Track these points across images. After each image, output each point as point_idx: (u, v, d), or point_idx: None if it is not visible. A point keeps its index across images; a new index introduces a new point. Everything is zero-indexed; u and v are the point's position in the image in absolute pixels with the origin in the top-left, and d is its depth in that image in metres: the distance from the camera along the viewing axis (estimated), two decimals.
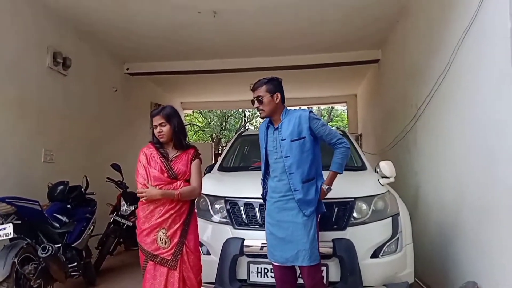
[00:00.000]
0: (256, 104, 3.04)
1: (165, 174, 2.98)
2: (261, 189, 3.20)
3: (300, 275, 2.99)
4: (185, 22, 5.64)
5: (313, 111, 3.16)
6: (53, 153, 5.22)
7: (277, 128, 3.03)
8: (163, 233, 2.90)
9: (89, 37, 6.10)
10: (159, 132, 3.04)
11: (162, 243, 2.90)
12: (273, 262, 3.00)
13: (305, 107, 10.38)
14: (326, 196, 3.05)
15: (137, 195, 2.95)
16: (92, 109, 6.36)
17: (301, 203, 2.88)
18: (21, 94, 4.75)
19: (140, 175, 2.98)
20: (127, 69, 7.48)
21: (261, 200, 3.26)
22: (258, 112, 3.09)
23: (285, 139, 2.95)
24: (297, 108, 4.87)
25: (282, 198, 2.95)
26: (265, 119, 3.19)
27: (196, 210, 3.21)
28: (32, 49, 4.98)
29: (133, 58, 7.25)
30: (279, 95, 3.04)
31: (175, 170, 3.01)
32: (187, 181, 3.06)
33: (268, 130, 3.11)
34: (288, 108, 3.14)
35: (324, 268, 3.12)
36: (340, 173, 3.03)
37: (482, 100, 3.18)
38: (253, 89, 3.06)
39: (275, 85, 3.06)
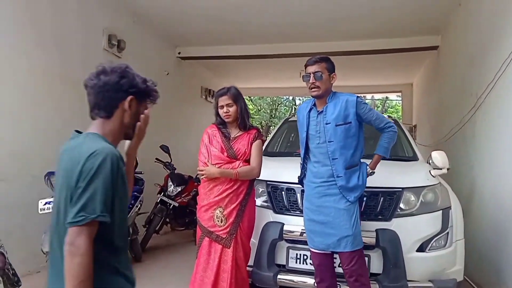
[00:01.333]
0: (312, 79, 2.83)
1: (225, 154, 3.05)
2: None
3: (340, 264, 2.90)
4: (237, 5, 5.61)
5: (361, 97, 2.98)
6: None
7: (322, 111, 2.89)
8: (220, 212, 2.97)
9: (143, 20, 6.24)
10: (226, 112, 3.08)
11: (218, 221, 2.97)
12: (312, 249, 2.93)
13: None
14: (372, 185, 2.93)
15: (198, 173, 3.08)
16: None
17: (344, 189, 2.79)
18: (78, 74, 4.92)
19: (202, 154, 3.09)
20: (179, 53, 7.59)
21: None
22: (310, 90, 2.88)
23: (329, 123, 2.83)
24: None
25: (324, 183, 2.86)
26: (305, 101, 3.09)
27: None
28: (88, 31, 5.19)
29: (185, 42, 7.35)
30: (335, 77, 2.92)
31: (234, 150, 3.07)
32: (247, 162, 3.10)
33: (311, 113, 2.97)
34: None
35: (366, 258, 3.02)
36: (385, 157, 2.91)
37: None
38: (310, 64, 2.87)
39: (333, 66, 2.93)
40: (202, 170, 3.01)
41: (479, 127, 4.47)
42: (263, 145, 3.22)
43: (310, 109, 2.99)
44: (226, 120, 3.11)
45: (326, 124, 2.85)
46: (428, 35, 6.53)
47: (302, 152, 3.04)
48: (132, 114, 1.55)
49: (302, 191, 3.23)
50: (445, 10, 5.51)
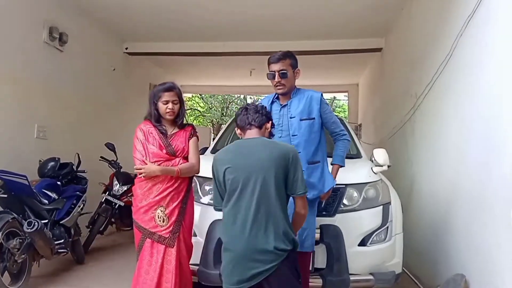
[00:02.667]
0: (278, 78, 2.82)
1: (164, 151, 2.94)
2: None
3: None
4: (188, 1, 5.53)
5: None
6: (46, 129, 5.17)
7: (286, 105, 2.89)
8: (161, 211, 2.88)
9: (87, 13, 5.98)
10: (171, 109, 2.96)
11: (160, 221, 2.87)
12: None
13: None
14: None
15: (135, 171, 2.91)
16: (89, 87, 6.27)
17: None
18: (16, 68, 4.69)
19: (138, 151, 2.94)
20: (126, 48, 7.33)
21: None
22: (275, 87, 2.88)
23: (294, 117, 2.85)
24: None
25: None
26: (267, 96, 3.10)
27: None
28: (28, 23, 4.89)
29: (133, 37, 7.12)
30: (299, 72, 2.92)
31: (173, 146, 2.98)
32: (185, 159, 3.03)
33: (273, 106, 2.95)
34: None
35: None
36: (342, 166, 2.98)
37: (481, 90, 3.09)
38: (274, 61, 2.85)
39: (296, 61, 2.91)
40: (140, 169, 2.86)
41: (418, 127, 4.70)
42: (198, 142, 3.17)
43: (273, 102, 2.97)
44: (168, 117, 2.99)
45: (291, 118, 2.85)
46: (372, 37, 6.77)
47: None
48: (268, 132, 2.45)
49: None
50: (389, 14, 5.73)
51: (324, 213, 3.20)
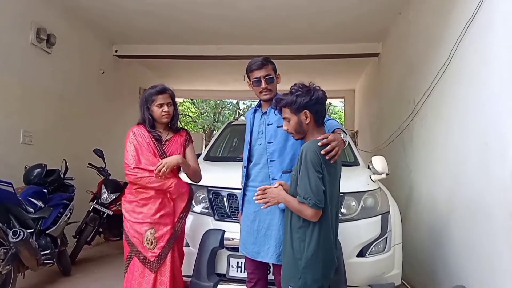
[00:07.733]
0: (264, 84, 2.72)
1: (158, 158, 2.81)
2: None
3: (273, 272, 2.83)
4: (180, 4, 5.41)
5: None
6: (33, 134, 5.00)
7: (266, 112, 2.81)
8: (150, 233, 2.75)
9: (76, 14, 5.83)
10: (167, 112, 2.85)
11: (148, 243, 2.74)
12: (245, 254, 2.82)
13: None
14: None
15: (155, 172, 2.70)
16: (77, 90, 6.11)
17: None
18: (1, 70, 4.53)
19: (131, 156, 2.78)
20: (116, 51, 7.18)
21: None
22: (261, 94, 2.78)
23: (271, 124, 2.75)
24: None
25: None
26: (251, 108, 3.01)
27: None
28: (15, 24, 4.74)
29: (123, 39, 6.97)
30: (280, 77, 2.84)
31: (168, 154, 2.86)
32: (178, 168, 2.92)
33: (256, 115, 2.88)
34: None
35: None
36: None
37: (482, 96, 3.01)
38: (258, 67, 2.74)
39: (275, 66, 2.84)
40: (160, 166, 2.67)
41: (416, 133, 4.61)
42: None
43: (255, 111, 2.90)
44: (164, 120, 2.88)
45: (268, 125, 2.77)
46: (369, 42, 6.70)
47: (245, 155, 2.89)
48: None
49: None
50: (386, 19, 5.67)
51: None
